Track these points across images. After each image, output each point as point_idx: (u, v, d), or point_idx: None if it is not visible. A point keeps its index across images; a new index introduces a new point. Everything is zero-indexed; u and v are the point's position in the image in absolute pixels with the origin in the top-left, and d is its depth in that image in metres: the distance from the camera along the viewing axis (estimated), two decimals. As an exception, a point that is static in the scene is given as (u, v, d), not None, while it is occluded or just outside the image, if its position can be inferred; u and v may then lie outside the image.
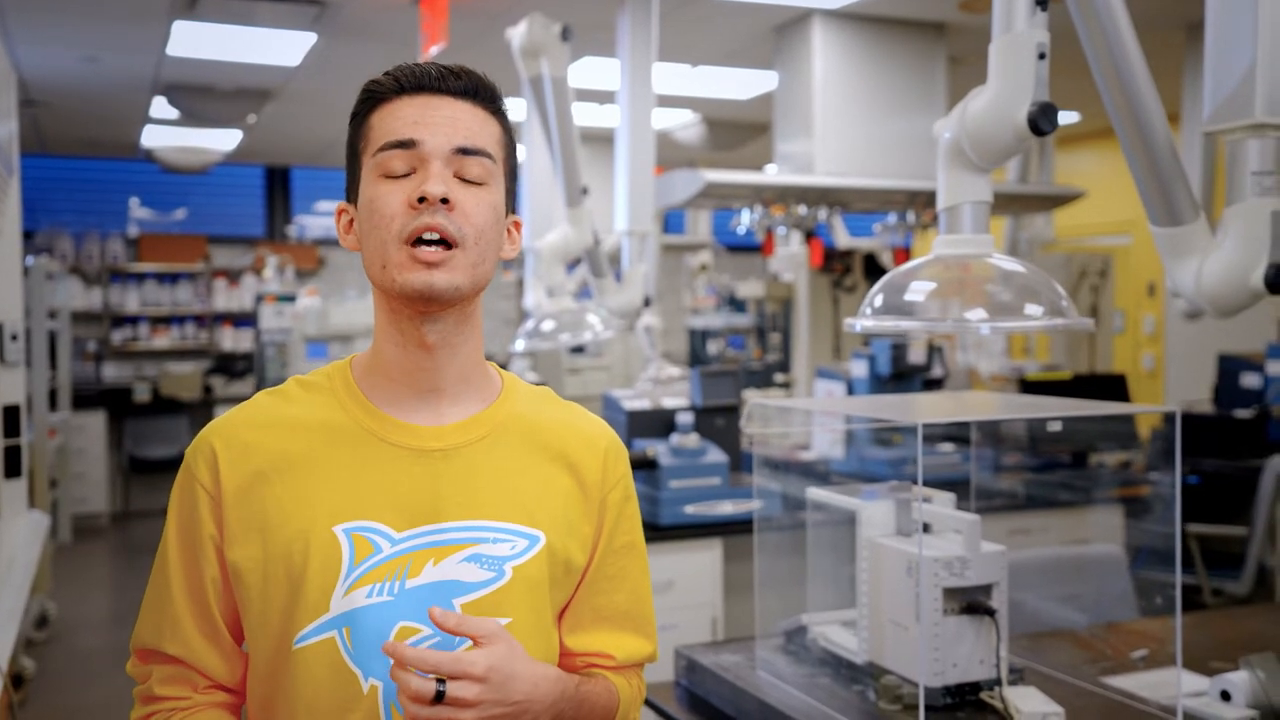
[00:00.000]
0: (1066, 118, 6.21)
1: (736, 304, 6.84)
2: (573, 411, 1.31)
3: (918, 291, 1.68)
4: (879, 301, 1.70)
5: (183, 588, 1.18)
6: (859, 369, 4.12)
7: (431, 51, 4.33)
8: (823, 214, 4.59)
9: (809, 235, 4.98)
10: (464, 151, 1.14)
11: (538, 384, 1.34)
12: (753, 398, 5.28)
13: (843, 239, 5.01)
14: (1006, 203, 5.28)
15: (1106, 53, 1.73)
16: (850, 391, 4.13)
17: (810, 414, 2.64)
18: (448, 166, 1.13)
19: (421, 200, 1.11)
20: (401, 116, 1.14)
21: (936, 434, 3.97)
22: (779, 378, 5.65)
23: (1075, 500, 4.01)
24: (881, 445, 3.95)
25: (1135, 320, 8.02)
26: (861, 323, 1.72)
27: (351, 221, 1.20)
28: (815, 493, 1.97)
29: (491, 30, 4.58)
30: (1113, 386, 4.81)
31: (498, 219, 1.17)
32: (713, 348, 7.59)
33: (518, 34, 3.49)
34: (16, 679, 4.29)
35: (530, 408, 1.27)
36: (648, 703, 2.02)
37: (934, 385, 4.24)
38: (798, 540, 2.02)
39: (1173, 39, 4.93)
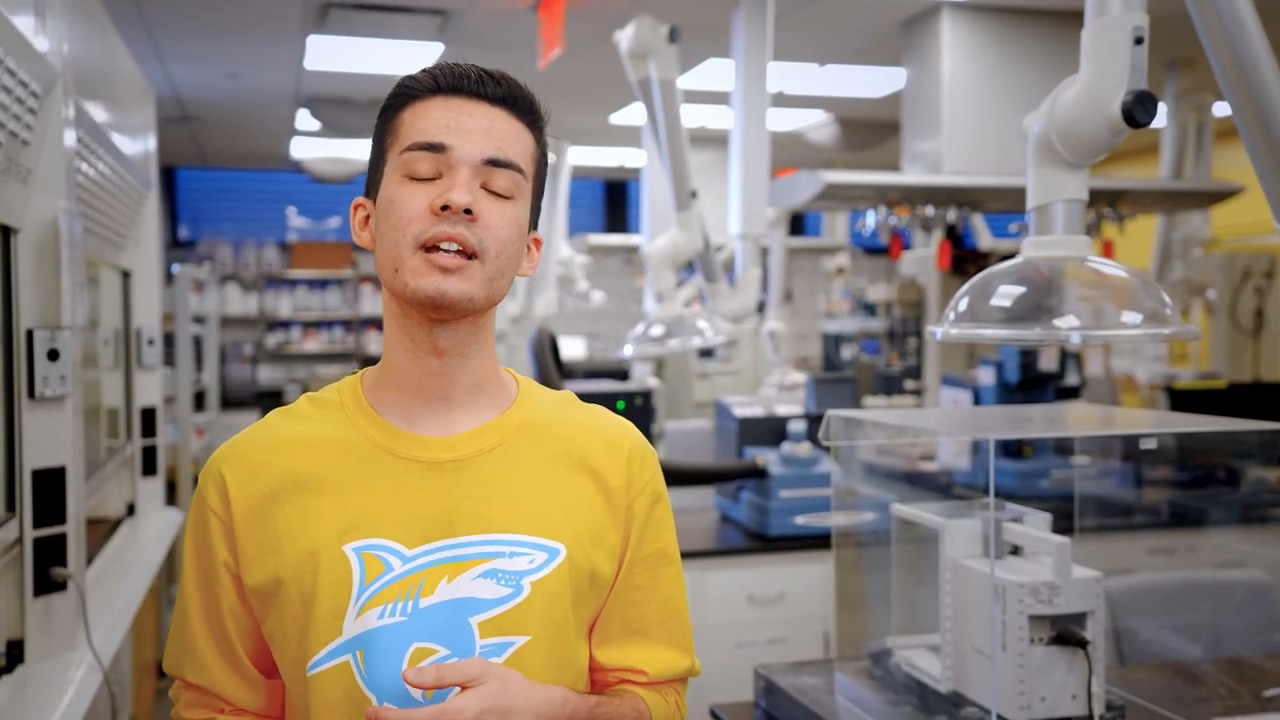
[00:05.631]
0: (1226, 109, 5.80)
1: (869, 307, 6.65)
2: (595, 414, 1.25)
3: (1004, 297, 1.56)
4: (963, 307, 1.59)
5: (200, 615, 1.16)
6: (986, 377, 3.92)
7: (551, 55, 4.34)
8: (952, 214, 4.40)
9: (946, 236, 4.78)
10: (494, 163, 1.10)
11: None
12: (878, 405, 5.12)
13: (985, 240, 4.79)
14: (1157, 200, 4.96)
15: (1221, 32, 1.57)
16: (976, 400, 3.92)
17: (887, 426, 2.46)
18: (475, 176, 1.09)
19: (444, 208, 1.07)
20: (434, 118, 1.10)
21: (1068, 447, 3.74)
22: (910, 384, 5.45)
23: (1228, 519, 3.72)
24: (1010, 458, 3.75)
25: (1311, 325, 7.45)
26: (943, 330, 1.61)
27: (368, 218, 1.16)
28: (900, 509, 1.86)
29: (608, 34, 4.56)
30: (1273, 397, 4.46)
31: (520, 235, 1.13)
32: (847, 352, 7.41)
33: (625, 37, 3.46)
34: (160, 668, 4.50)
35: (548, 413, 1.21)
36: (724, 723, 1.95)
37: (1069, 394, 3.99)
38: (893, 557, 1.92)
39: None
